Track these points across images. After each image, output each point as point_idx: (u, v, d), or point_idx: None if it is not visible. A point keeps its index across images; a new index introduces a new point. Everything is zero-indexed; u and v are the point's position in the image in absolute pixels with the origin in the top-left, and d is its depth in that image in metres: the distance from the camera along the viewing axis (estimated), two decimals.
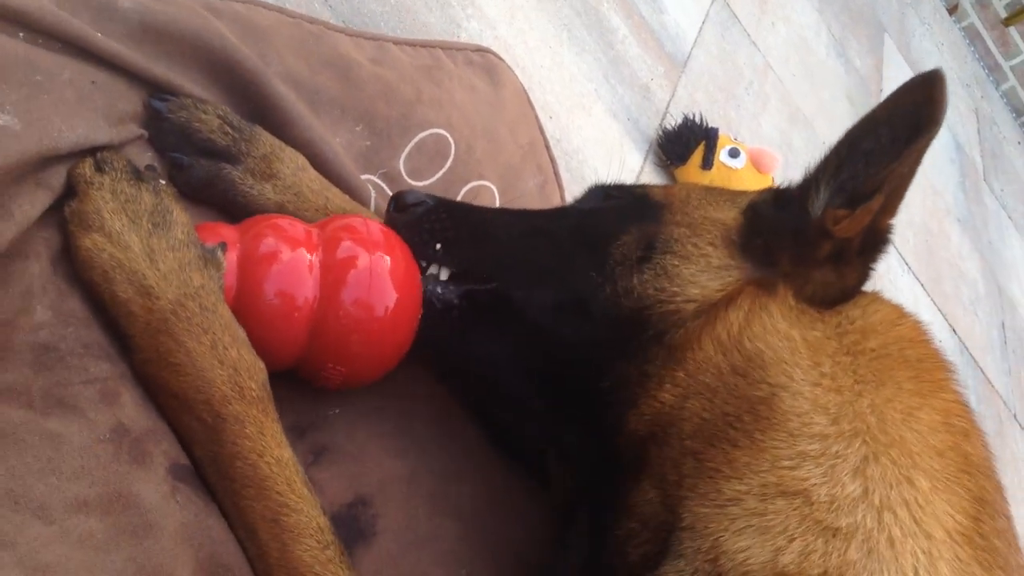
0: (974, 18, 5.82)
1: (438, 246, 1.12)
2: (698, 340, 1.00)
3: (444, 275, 1.12)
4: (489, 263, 1.13)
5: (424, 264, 1.11)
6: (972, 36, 5.88)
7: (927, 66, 4.33)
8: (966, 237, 3.88)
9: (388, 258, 1.05)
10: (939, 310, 3.20)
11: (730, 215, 1.11)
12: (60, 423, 0.82)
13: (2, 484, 0.77)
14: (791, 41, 3.29)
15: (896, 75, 4.12)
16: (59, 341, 0.87)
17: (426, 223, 1.13)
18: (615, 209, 1.17)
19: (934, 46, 5.04)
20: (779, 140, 2.81)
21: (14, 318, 0.86)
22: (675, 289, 1.03)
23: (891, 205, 1.01)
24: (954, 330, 3.23)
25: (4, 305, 0.85)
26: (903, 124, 0.95)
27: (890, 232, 1.05)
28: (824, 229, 1.02)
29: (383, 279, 1.03)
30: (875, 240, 1.05)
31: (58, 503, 0.79)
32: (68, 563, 0.77)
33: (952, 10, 5.81)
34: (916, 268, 3.18)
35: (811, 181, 1.05)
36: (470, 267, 1.13)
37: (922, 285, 3.17)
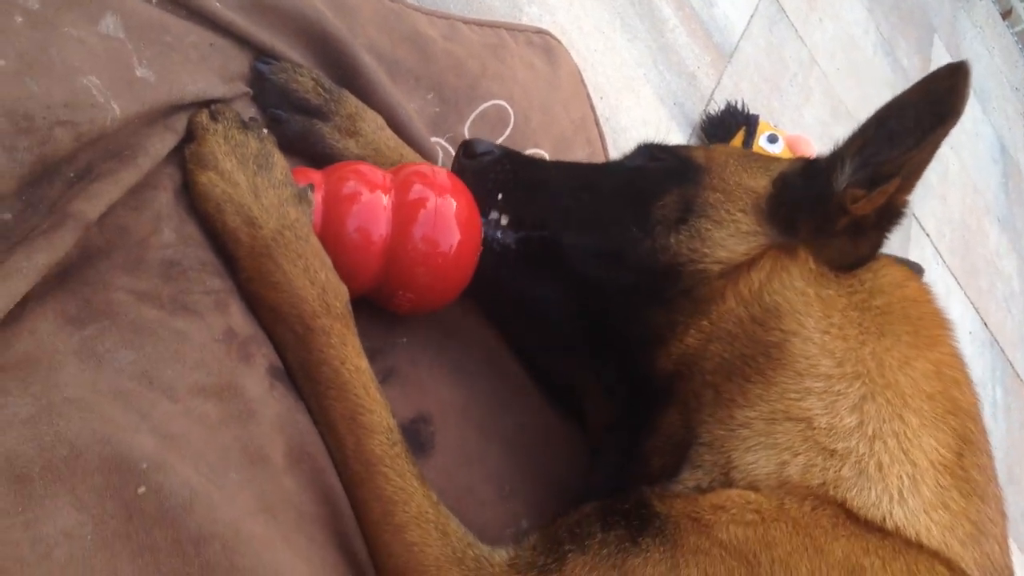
0: None
1: (500, 196, 1.26)
2: (722, 295, 1.14)
3: (504, 221, 1.26)
4: (544, 211, 1.26)
5: (486, 209, 1.25)
6: None
7: (976, 68, 4.39)
8: (1004, 236, 3.95)
9: (453, 201, 1.19)
10: (972, 303, 3.29)
11: (761, 183, 1.21)
12: (184, 323, 0.99)
13: (140, 366, 0.93)
14: (838, 38, 3.39)
15: None
16: (182, 258, 1.04)
17: (491, 172, 1.26)
18: (659, 170, 1.28)
19: (985, 49, 5.07)
20: (820, 132, 2.92)
21: (147, 237, 1.02)
22: (706, 251, 1.16)
23: (907, 185, 1.09)
24: (986, 324, 3.32)
25: (139, 225, 1.02)
26: (928, 110, 1.02)
27: (905, 207, 1.13)
28: (843, 206, 1.12)
29: (448, 219, 1.18)
30: (891, 215, 1.13)
31: (182, 386, 0.95)
32: (189, 435, 0.92)
33: (1006, 15, 5.82)
34: (951, 262, 3.27)
35: (838, 155, 1.14)
36: (527, 215, 1.26)
37: (956, 279, 3.26)
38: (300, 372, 1.07)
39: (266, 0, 1.25)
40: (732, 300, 1.13)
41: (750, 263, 1.15)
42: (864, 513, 0.97)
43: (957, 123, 1.01)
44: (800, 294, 1.11)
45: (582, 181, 1.30)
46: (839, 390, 1.04)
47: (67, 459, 0.82)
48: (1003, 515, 1.07)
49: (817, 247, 1.14)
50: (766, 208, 1.19)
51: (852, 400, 1.04)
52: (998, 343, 3.33)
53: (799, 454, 1.01)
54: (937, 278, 3.14)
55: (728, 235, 1.16)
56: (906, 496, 0.98)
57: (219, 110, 1.15)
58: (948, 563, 0.96)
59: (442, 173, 1.23)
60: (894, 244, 2.91)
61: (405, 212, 1.16)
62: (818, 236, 1.14)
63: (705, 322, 1.14)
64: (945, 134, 1.02)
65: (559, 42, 1.81)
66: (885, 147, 1.08)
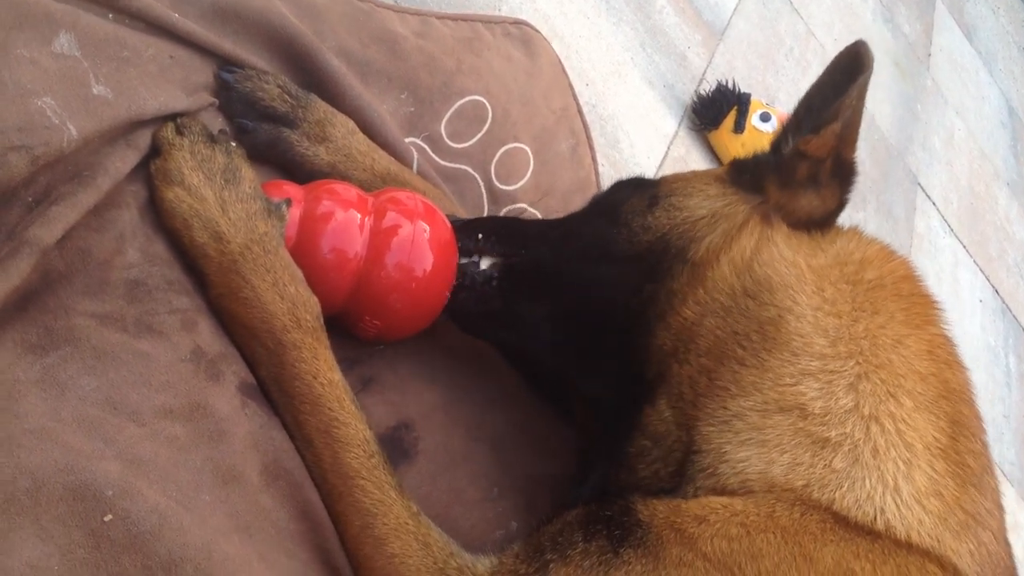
0: None
1: (480, 236, 1.27)
2: (716, 259, 1.12)
3: (485, 263, 1.27)
4: (525, 241, 1.28)
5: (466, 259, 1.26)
6: None
7: (981, 30, 4.29)
8: (1015, 201, 3.88)
9: (428, 227, 1.20)
10: (981, 271, 3.24)
11: (718, 170, 1.26)
12: (149, 344, 0.98)
13: (103, 392, 0.93)
14: (836, 7, 3.33)
15: (947, 40, 4.10)
16: (147, 278, 1.03)
17: (470, 224, 1.29)
18: (619, 187, 1.32)
19: (990, 10, 4.97)
20: None
21: (110, 258, 1.01)
22: (685, 214, 1.18)
23: (848, 136, 1.16)
24: (997, 292, 3.27)
25: (102, 247, 1.01)
26: (842, 78, 1.12)
27: (855, 166, 1.20)
28: (798, 151, 1.17)
29: (422, 246, 1.18)
30: (843, 170, 1.18)
31: (148, 410, 0.94)
32: (157, 459, 0.92)
33: None
34: (959, 230, 3.22)
35: (780, 137, 1.21)
36: (509, 248, 1.27)
37: (964, 247, 3.21)
38: (274, 387, 1.07)
39: (227, 7, 1.23)
40: (726, 266, 1.12)
41: (741, 226, 1.14)
42: (854, 515, 0.94)
43: (870, 74, 1.11)
44: (791, 265, 1.10)
45: (553, 219, 1.35)
46: (833, 369, 1.02)
47: (29, 490, 0.82)
48: (1000, 507, 1.05)
49: (788, 206, 1.17)
50: (728, 178, 1.23)
51: (848, 380, 1.02)
52: (1011, 311, 3.28)
53: (785, 451, 0.98)
54: (945, 247, 3.08)
55: (701, 200, 1.19)
56: (901, 484, 0.96)
57: (185, 123, 1.13)
58: (940, 560, 0.94)
59: (418, 199, 1.23)
60: (899, 213, 2.87)
61: (379, 239, 1.16)
62: (785, 190, 1.18)
63: (701, 290, 1.12)
64: (865, 83, 1.11)
65: (538, 32, 1.78)
66: (817, 117, 1.16)
